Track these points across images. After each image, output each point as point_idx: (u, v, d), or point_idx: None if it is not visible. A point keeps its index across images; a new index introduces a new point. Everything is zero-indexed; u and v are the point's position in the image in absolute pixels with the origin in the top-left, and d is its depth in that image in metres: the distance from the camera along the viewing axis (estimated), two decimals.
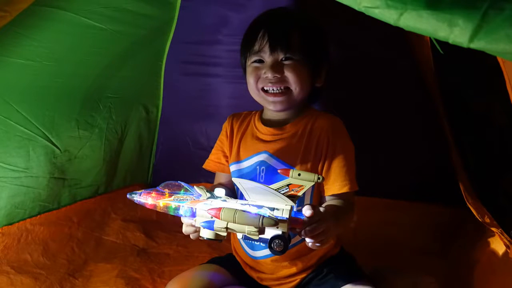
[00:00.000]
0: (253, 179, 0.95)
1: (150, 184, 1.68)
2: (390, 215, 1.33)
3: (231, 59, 1.52)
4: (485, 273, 0.92)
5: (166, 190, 0.78)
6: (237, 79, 1.50)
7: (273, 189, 0.72)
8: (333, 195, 0.91)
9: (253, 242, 0.83)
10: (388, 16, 0.45)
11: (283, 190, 0.75)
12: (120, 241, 1.35)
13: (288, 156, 0.93)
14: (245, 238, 0.72)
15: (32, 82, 1.13)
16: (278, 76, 0.92)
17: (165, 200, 0.76)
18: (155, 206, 0.77)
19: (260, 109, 1.04)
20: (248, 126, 1.02)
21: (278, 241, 0.69)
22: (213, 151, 1.06)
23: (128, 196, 0.80)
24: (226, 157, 1.03)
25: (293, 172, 0.73)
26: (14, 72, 1.07)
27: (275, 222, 0.67)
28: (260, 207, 0.72)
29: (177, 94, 1.63)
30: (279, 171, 0.76)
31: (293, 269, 0.95)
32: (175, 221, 1.51)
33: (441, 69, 1.12)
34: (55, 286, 1.06)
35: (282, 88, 0.93)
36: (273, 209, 0.71)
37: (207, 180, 1.59)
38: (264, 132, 0.98)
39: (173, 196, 0.77)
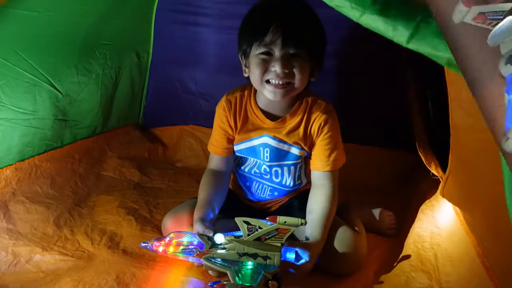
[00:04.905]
0: (257, 158, 1.12)
1: (141, 125, 1.82)
2: (358, 158, 1.51)
3: (219, 10, 1.62)
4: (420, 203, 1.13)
5: (173, 239, 0.96)
6: (225, 30, 1.61)
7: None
8: (318, 172, 1.08)
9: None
10: (352, 14, 0.58)
11: (272, 234, 0.91)
12: (117, 176, 1.51)
13: (287, 138, 1.08)
14: None
15: (36, 31, 1.23)
16: (287, 71, 0.98)
17: (173, 251, 0.95)
18: (165, 252, 0.95)
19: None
20: (247, 113, 1.10)
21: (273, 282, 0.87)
22: (216, 137, 1.13)
23: (142, 245, 0.98)
24: (230, 140, 1.12)
25: (280, 219, 0.89)
26: (21, 23, 1.17)
27: None
28: (255, 256, 0.90)
29: (167, 41, 1.73)
30: (267, 218, 0.90)
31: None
32: (166, 160, 1.69)
33: None
34: (65, 214, 1.22)
35: (285, 82, 1.00)
36: (266, 257, 0.90)
37: (194, 122, 1.74)
38: (269, 125, 1.08)
39: (180, 247, 0.95)
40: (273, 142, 1.08)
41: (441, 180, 1.04)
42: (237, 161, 1.17)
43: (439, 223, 1.02)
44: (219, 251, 0.93)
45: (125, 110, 1.71)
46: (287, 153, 1.10)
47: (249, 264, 0.90)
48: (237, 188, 1.20)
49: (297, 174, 1.13)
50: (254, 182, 1.16)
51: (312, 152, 1.09)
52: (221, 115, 1.11)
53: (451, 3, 0.43)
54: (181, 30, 1.70)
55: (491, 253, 0.77)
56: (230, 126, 1.11)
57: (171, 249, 0.95)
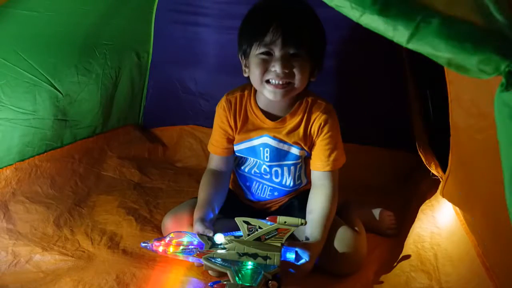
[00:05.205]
0: (257, 158, 1.12)
1: (141, 125, 1.81)
2: (358, 158, 1.51)
3: (219, 10, 1.62)
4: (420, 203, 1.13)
5: (173, 239, 0.96)
6: (225, 30, 1.61)
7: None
8: (318, 172, 1.08)
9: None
10: (352, 14, 0.58)
11: (272, 234, 0.91)
12: (117, 176, 1.51)
13: (287, 138, 1.08)
14: None
15: (36, 31, 1.23)
16: (287, 71, 0.98)
17: (173, 251, 0.95)
18: (165, 252, 0.95)
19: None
20: (247, 113, 1.10)
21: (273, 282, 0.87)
22: (216, 137, 1.13)
23: (142, 245, 0.97)
24: (230, 140, 1.12)
25: (280, 219, 0.89)
26: (21, 23, 1.17)
27: None
28: (255, 256, 0.90)
29: (166, 41, 1.73)
30: (267, 218, 0.90)
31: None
32: (166, 160, 1.69)
33: None
34: (65, 214, 1.22)
35: (285, 82, 1.00)
36: (266, 257, 0.90)
37: (194, 122, 1.74)
38: (269, 125, 1.08)
39: (180, 247, 0.95)
40: (273, 142, 1.08)
41: (441, 180, 1.04)
42: (237, 161, 1.17)
43: (439, 223, 1.02)
44: (219, 251, 0.93)
45: (125, 110, 1.71)
46: (287, 153, 1.09)
47: (249, 264, 0.90)
48: (237, 188, 1.20)
49: (297, 174, 1.13)
50: (254, 182, 1.16)
51: (312, 152, 1.09)
52: (221, 115, 1.11)
53: None
54: (181, 30, 1.70)
55: (491, 253, 0.77)
56: (230, 126, 1.11)
57: (171, 249, 0.95)
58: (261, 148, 1.10)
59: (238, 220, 0.92)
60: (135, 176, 1.53)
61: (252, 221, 0.92)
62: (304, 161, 1.12)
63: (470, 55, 0.51)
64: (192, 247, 0.95)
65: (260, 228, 0.92)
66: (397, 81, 1.50)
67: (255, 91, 1.09)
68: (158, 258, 1.03)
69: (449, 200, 0.98)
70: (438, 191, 1.04)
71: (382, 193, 1.41)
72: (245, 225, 0.93)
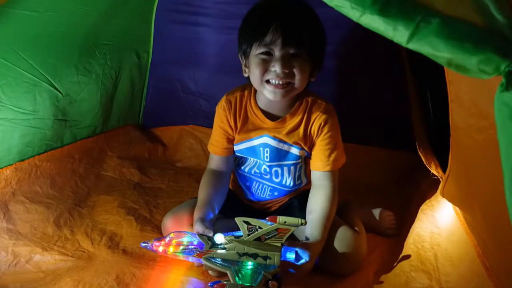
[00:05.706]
0: (257, 158, 1.12)
1: (141, 125, 1.81)
2: (358, 158, 1.51)
3: (219, 10, 1.62)
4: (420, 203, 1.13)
5: (173, 239, 0.96)
6: (225, 30, 1.61)
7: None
8: (318, 172, 1.08)
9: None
10: (352, 14, 0.58)
11: (272, 234, 0.91)
12: (117, 176, 1.51)
13: (287, 138, 1.08)
14: None
15: (36, 31, 1.23)
16: (287, 71, 0.98)
17: (173, 251, 0.95)
18: (165, 252, 0.95)
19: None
20: (247, 113, 1.10)
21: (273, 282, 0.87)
22: (216, 137, 1.13)
23: (142, 245, 0.97)
24: (230, 140, 1.12)
25: (280, 219, 0.90)
26: (21, 23, 1.17)
27: None
28: (255, 256, 0.90)
29: (166, 41, 1.73)
30: (267, 218, 0.90)
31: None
32: (166, 160, 1.69)
33: None
34: (65, 214, 1.22)
35: (285, 82, 1.00)
36: (266, 258, 0.90)
37: (194, 122, 1.74)
38: (269, 125, 1.08)
39: (180, 247, 0.95)
40: (273, 142, 1.08)
41: (441, 180, 1.04)
42: (237, 161, 1.17)
43: (439, 223, 1.02)
44: (219, 251, 0.93)
45: (125, 110, 1.71)
46: (287, 153, 1.10)
47: (249, 264, 0.90)
48: (237, 188, 1.20)
49: (297, 174, 1.13)
50: (254, 182, 1.16)
51: (312, 152, 1.09)
52: (221, 115, 1.11)
53: None
54: (181, 30, 1.70)
55: (491, 253, 0.77)
56: (230, 126, 1.11)
57: (171, 249, 0.95)
58: (261, 148, 1.10)
59: (238, 220, 0.92)
60: (135, 176, 1.53)
61: (252, 221, 0.92)
62: (304, 161, 1.12)
63: (470, 55, 0.51)
64: (192, 247, 0.95)
65: (260, 228, 0.92)
66: (397, 81, 1.50)
67: (255, 91, 1.09)
68: (158, 258, 1.03)
69: (449, 200, 0.98)
70: (438, 191, 1.04)
71: (382, 193, 1.41)
72: (245, 225, 0.93)
